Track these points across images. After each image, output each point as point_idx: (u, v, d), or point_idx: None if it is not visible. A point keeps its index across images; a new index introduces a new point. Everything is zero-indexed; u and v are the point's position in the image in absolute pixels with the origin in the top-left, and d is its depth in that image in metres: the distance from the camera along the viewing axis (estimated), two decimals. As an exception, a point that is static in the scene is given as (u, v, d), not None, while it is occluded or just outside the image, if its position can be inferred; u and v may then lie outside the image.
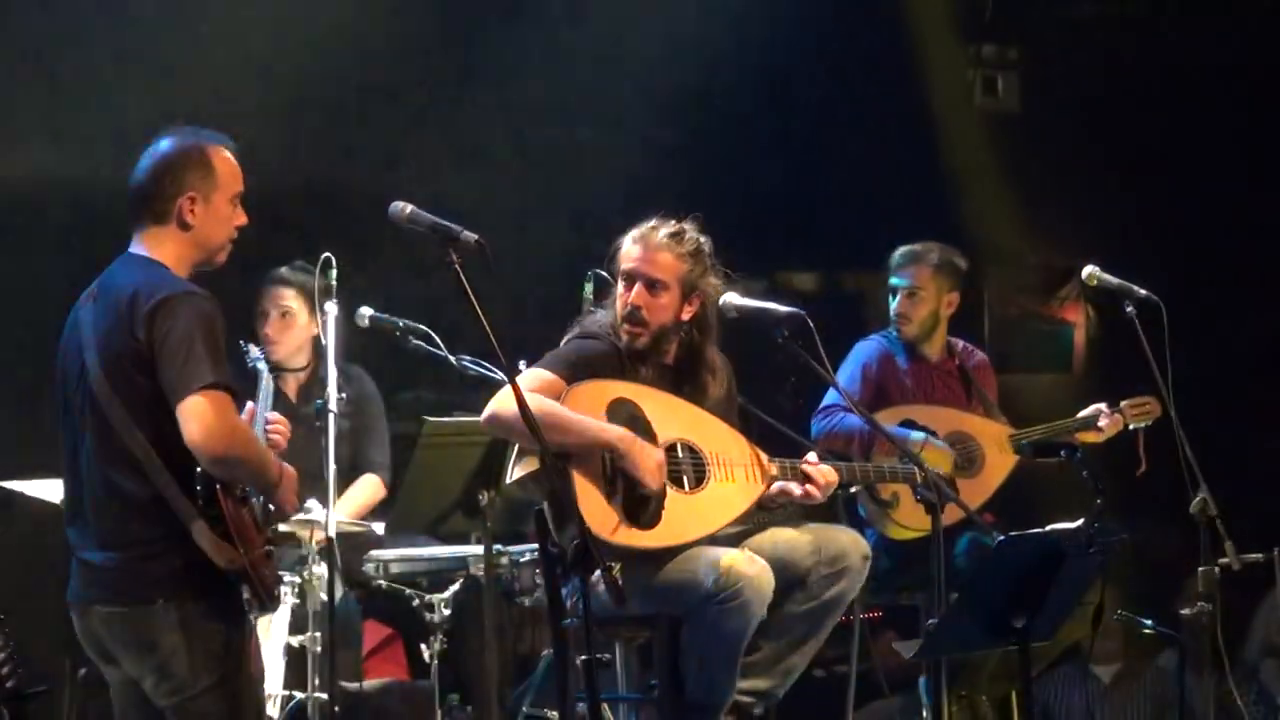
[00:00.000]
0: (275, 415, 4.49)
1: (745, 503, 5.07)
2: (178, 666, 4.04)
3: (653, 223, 5.10)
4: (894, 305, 6.51)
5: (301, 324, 6.35)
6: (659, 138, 7.86)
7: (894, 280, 6.51)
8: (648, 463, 4.87)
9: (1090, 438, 6.33)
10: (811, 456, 5.13)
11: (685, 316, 5.09)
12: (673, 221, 5.10)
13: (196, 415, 3.93)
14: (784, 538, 5.06)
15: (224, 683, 4.06)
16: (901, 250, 6.52)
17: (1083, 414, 6.38)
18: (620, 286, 5.11)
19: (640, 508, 4.90)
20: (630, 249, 5.10)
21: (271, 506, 4.20)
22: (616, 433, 4.88)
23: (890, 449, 5.71)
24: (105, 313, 4.09)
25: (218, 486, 4.02)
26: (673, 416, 5.02)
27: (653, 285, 5.05)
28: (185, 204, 4.15)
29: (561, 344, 5.14)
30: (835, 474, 5.11)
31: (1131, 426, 6.36)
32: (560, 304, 5.78)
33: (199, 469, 4.00)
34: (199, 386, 3.94)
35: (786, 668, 5.08)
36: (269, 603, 4.15)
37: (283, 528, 5.36)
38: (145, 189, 4.18)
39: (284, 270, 6.37)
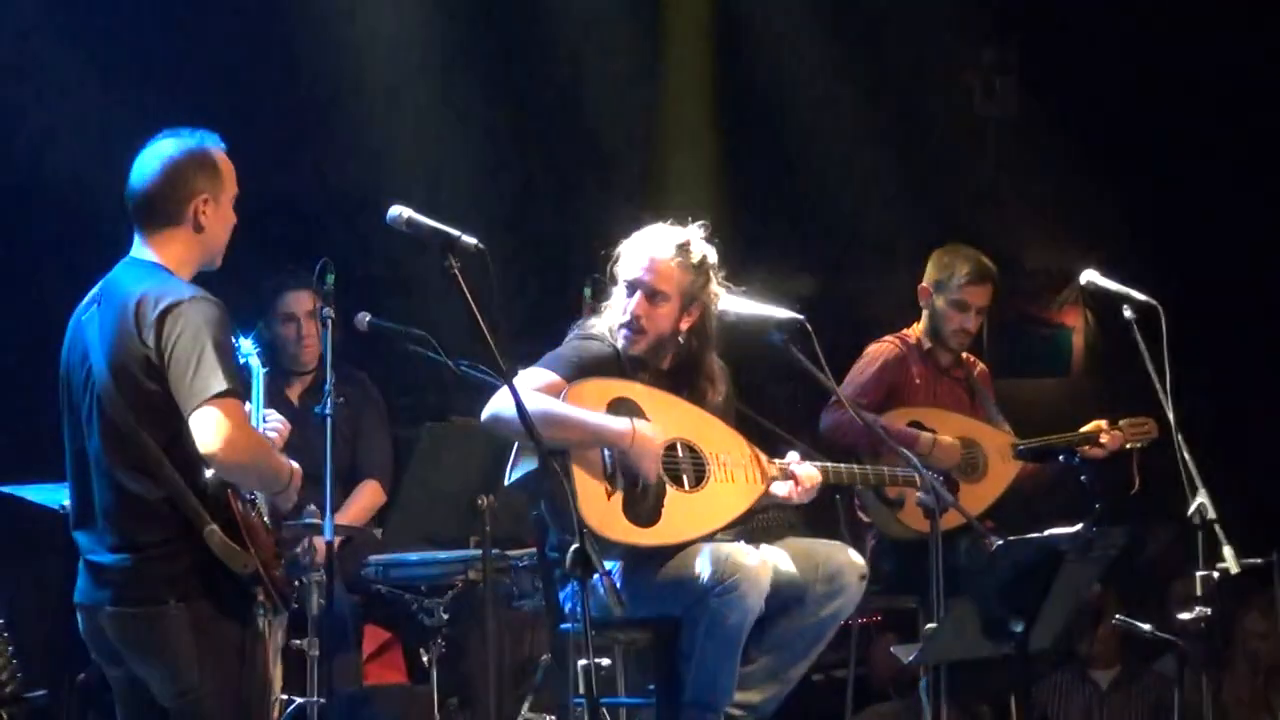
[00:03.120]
0: (273, 413, 4.47)
1: (745, 503, 5.05)
2: (187, 667, 4.02)
3: (658, 230, 5.07)
4: (960, 320, 6.36)
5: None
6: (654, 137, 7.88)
7: (965, 298, 6.33)
8: (648, 460, 4.85)
9: (1090, 452, 6.32)
10: (794, 455, 5.11)
11: (683, 326, 5.07)
12: (678, 229, 5.06)
13: (212, 425, 3.92)
14: (782, 554, 5.03)
15: (233, 684, 4.04)
16: (976, 267, 6.34)
17: (1083, 430, 6.36)
18: (621, 292, 5.07)
19: (640, 506, 4.89)
20: (635, 257, 5.05)
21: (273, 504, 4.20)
22: (618, 427, 4.86)
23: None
24: (111, 318, 4.06)
25: (228, 490, 4.02)
26: (673, 416, 5.01)
27: (654, 296, 5.02)
28: (200, 205, 4.13)
29: (562, 345, 5.11)
30: (819, 474, 5.09)
31: (1129, 446, 6.34)
32: (559, 307, 5.77)
33: (208, 473, 3.99)
34: (212, 395, 3.92)
35: (779, 682, 5.06)
36: (281, 605, 4.15)
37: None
38: (154, 192, 4.13)
39: (291, 276, 6.32)
